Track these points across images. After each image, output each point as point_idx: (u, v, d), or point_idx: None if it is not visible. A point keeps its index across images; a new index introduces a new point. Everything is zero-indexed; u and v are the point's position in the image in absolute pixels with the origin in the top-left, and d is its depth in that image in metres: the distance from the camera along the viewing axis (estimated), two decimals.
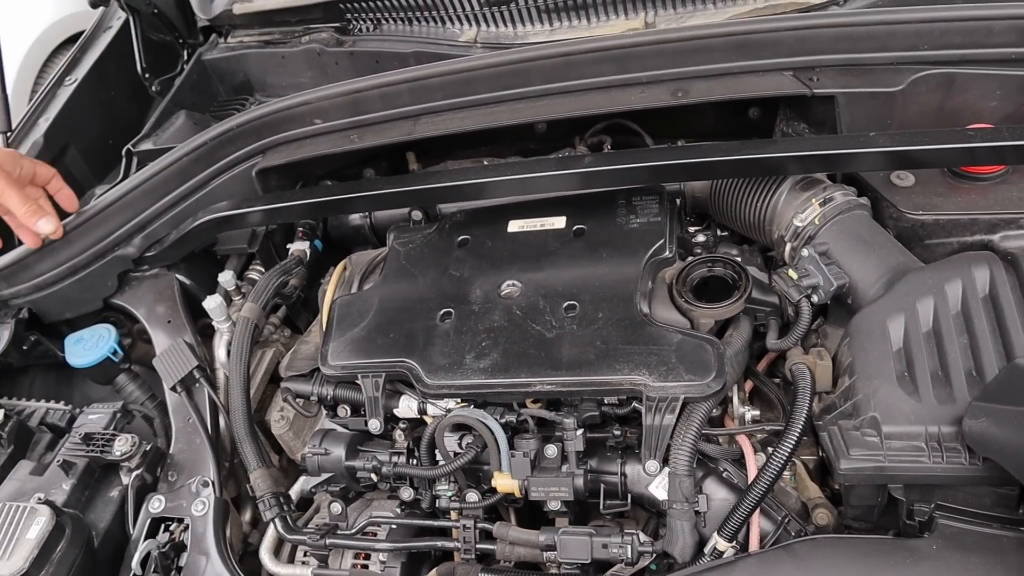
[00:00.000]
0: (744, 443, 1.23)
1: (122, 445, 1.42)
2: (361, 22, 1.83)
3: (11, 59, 3.68)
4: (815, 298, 1.25)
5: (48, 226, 1.57)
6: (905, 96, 1.37)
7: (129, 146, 1.78)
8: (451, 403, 1.31)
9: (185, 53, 2.06)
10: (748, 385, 1.36)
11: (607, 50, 1.42)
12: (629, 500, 1.25)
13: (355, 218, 1.71)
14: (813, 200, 1.33)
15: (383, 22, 1.80)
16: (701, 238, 1.48)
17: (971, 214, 1.30)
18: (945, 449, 1.05)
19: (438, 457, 1.32)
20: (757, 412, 1.29)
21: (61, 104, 1.90)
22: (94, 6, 1.93)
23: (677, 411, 1.17)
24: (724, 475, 1.23)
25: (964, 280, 1.19)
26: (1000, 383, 1.03)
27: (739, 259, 1.40)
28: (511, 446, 1.25)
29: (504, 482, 1.24)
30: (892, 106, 1.37)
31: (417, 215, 1.61)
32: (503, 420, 1.26)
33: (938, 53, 1.35)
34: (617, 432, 1.25)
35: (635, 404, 1.23)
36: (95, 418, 1.50)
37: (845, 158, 1.30)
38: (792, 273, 1.25)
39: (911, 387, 1.10)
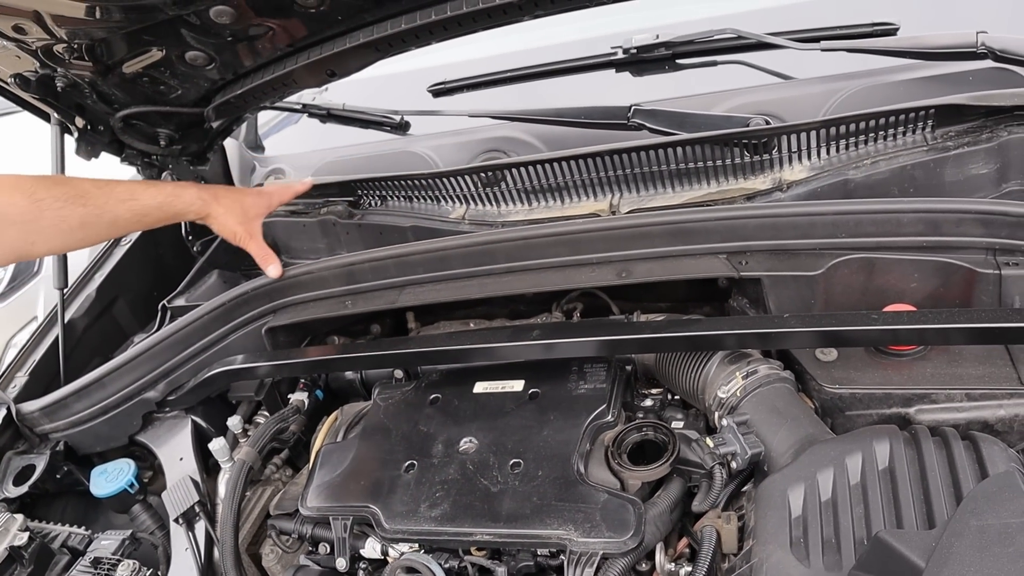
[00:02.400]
0: None
1: (124, 570, 1.59)
2: (370, 198, 2.09)
3: None
4: (734, 464, 1.37)
5: (275, 271, 1.85)
6: (827, 278, 1.51)
7: (164, 302, 2.05)
8: (406, 546, 1.46)
9: None
10: (683, 543, 1.47)
11: (561, 235, 1.62)
12: None
13: (349, 373, 1.92)
14: (737, 373, 1.47)
15: (388, 199, 2.06)
16: (649, 403, 1.62)
17: (886, 388, 1.41)
18: None
19: None
20: (690, 568, 1.39)
21: (115, 263, 2.19)
22: None
23: (595, 565, 1.29)
24: None
25: (864, 453, 1.29)
26: (869, 553, 1.13)
27: (682, 423, 1.54)
28: None
29: None
30: (815, 288, 1.52)
31: (399, 374, 1.81)
32: (447, 565, 1.40)
33: (855, 240, 1.50)
34: None
35: (562, 557, 1.35)
36: (106, 544, 1.69)
37: (774, 336, 1.45)
38: (709, 441, 1.38)
39: (803, 553, 1.20)
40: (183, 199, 1.71)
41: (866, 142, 1.71)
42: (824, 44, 1.81)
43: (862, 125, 1.67)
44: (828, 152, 1.73)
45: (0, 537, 1.66)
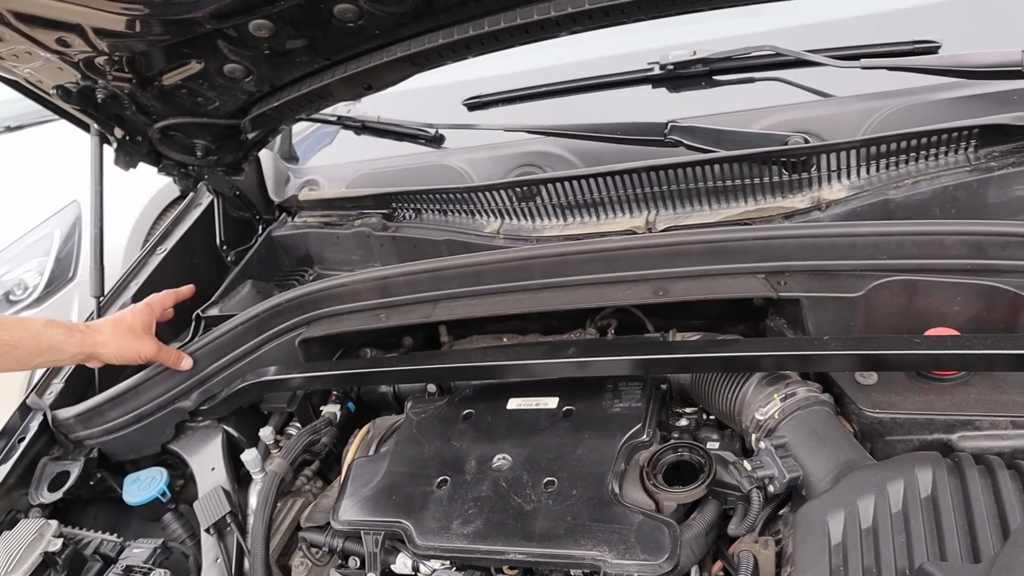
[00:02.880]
0: None
1: None
2: (404, 211, 2.10)
3: (127, 216, 4.19)
4: (771, 488, 1.35)
5: (188, 364, 1.88)
6: (868, 300, 1.49)
7: (199, 311, 2.06)
8: (438, 563, 1.45)
9: (260, 228, 2.37)
10: (718, 566, 1.45)
11: (597, 252, 1.61)
12: None
13: (382, 387, 1.91)
14: (775, 395, 1.45)
15: (423, 212, 2.07)
16: (684, 422, 1.60)
17: (928, 414, 1.39)
18: None
19: None
20: None
21: (150, 271, 2.21)
22: (184, 193, 2.26)
23: None
24: None
25: (907, 480, 1.27)
26: None
27: (717, 444, 1.53)
28: None
29: None
30: (855, 310, 1.49)
31: (432, 388, 1.81)
32: None
33: (896, 262, 1.47)
34: None
35: None
36: (138, 552, 1.69)
37: (813, 359, 1.43)
38: (747, 464, 1.36)
39: None
40: (57, 331, 1.69)
41: (907, 162, 1.69)
42: (864, 62, 1.79)
43: (903, 144, 1.66)
44: (868, 171, 1.71)
45: (35, 543, 1.68)
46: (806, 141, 1.76)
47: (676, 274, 1.58)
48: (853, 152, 1.68)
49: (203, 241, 2.32)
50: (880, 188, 1.68)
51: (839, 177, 1.72)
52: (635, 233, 1.79)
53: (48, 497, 1.85)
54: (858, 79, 1.81)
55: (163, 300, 1.92)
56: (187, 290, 2.00)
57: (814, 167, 1.72)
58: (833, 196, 1.71)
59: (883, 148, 1.66)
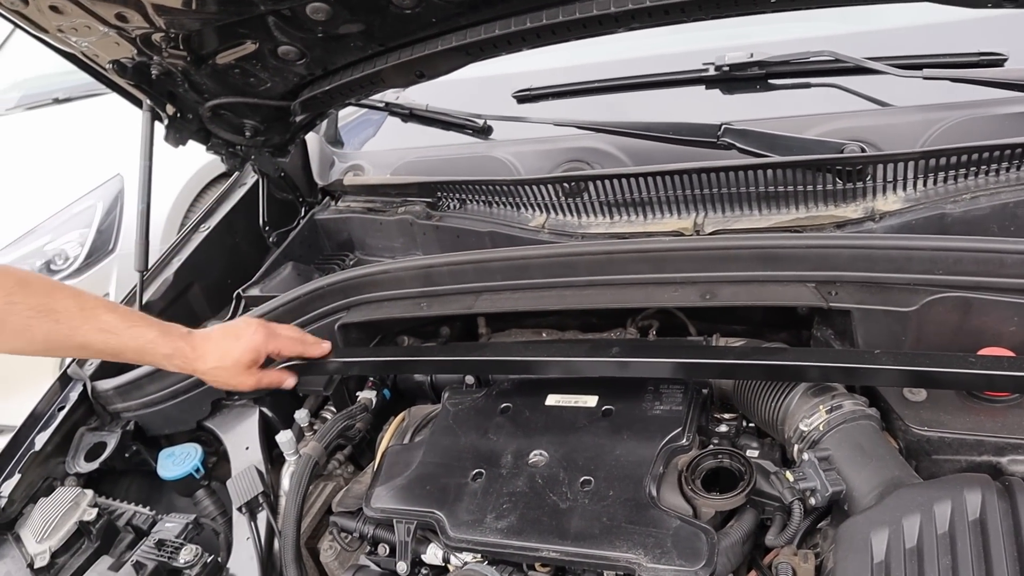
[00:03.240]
0: None
1: (187, 555, 1.61)
2: (449, 200, 2.09)
3: (168, 193, 4.23)
4: (812, 501, 1.33)
5: (291, 383, 1.75)
6: (920, 315, 1.46)
7: (240, 291, 2.07)
8: (469, 556, 1.45)
9: (303, 210, 2.37)
10: None
11: (645, 252, 1.59)
12: None
13: (419, 376, 1.91)
14: (820, 407, 1.42)
15: (467, 202, 2.06)
16: (724, 428, 1.58)
17: (978, 435, 1.35)
18: None
19: None
20: None
21: (193, 248, 2.23)
22: (230, 171, 2.27)
23: None
24: None
25: (954, 501, 1.24)
26: None
27: (756, 452, 1.51)
28: None
29: None
30: (907, 324, 1.46)
31: (470, 380, 1.80)
32: None
33: (953, 278, 1.44)
34: None
35: None
36: (170, 526, 1.70)
37: (860, 372, 1.40)
38: (789, 475, 1.34)
39: None
40: (162, 351, 1.58)
41: (966, 176, 1.65)
42: (927, 72, 1.75)
43: (963, 158, 1.62)
44: (925, 184, 1.68)
45: (71, 511, 1.70)
46: (862, 150, 1.73)
47: (724, 278, 1.56)
48: (911, 164, 1.65)
49: (246, 221, 2.33)
50: (937, 202, 1.64)
51: (895, 188, 1.69)
52: (682, 235, 1.77)
53: (84, 467, 1.87)
54: (918, 89, 1.78)
55: (287, 347, 1.70)
56: (319, 351, 1.75)
57: (869, 177, 1.69)
58: (888, 207, 1.68)
59: (942, 161, 1.63)
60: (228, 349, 1.63)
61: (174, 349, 1.59)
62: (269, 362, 1.70)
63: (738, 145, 1.77)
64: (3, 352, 1.46)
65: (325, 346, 1.75)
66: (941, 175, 1.66)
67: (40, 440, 1.86)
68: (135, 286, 2.09)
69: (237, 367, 1.63)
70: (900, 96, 1.88)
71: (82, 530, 1.71)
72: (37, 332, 1.46)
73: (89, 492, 1.77)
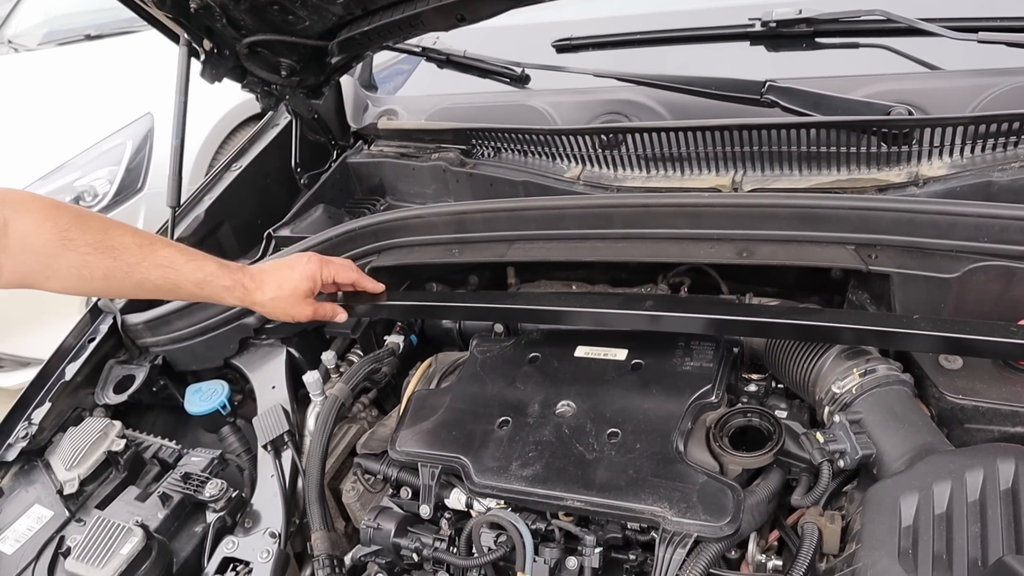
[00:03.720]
0: None
1: (212, 488, 1.63)
2: (483, 148, 2.06)
3: (197, 133, 4.21)
4: (841, 463, 1.32)
5: (343, 317, 1.72)
6: (961, 283, 1.43)
7: (270, 230, 2.06)
8: (493, 502, 1.45)
9: (335, 153, 2.36)
10: (774, 535, 1.43)
11: (683, 206, 1.57)
12: None
13: (447, 322, 1.90)
14: (854, 370, 1.41)
15: (502, 151, 2.03)
16: (753, 388, 1.57)
17: (1013, 406, 1.34)
18: None
19: (474, 551, 1.45)
20: (780, 562, 1.36)
21: (225, 186, 2.22)
22: (264, 110, 2.25)
23: (688, 547, 1.26)
24: None
25: (987, 470, 1.23)
26: None
27: (785, 413, 1.50)
28: (536, 552, 1.37)
29: None
30: (947, 291, 1.44)
31: (499, 328, 1.79)
32: (533, 527, 1.39)
33: (997, 247, 1.41)
34: (633, 556, 1.35)
35: (653, 533, 1.32)
36: (196, 460, 1.72)
37: (897, 336, 1.38)
38: (820, 436, 1.33)
39: (911, 564, 1.15)
40: (222, 283, 1.55)
41: (1016, 144, 1.61)
42: (982, 35, 1.69)
43: (1015, 126, 1.58)
44: (972, 151, 1.64)
45: (100, 441, 1.72)
46: (910, 113, 1.68)
47: (762, 236, 1.53)
48: (959, 129, 1.61)
49: (278, 162, 2.32)
50: (984, 169, 1.61)
51: (940, 154, 1.65)
52: (720, 192, 1.74)
53: (113, 398, 1.89)
54: (972, 53, 1.73)
55: (342, 273, 1.68)
56: (375, 288, 1.73)
57: (915, 141, 1.65)
58: (932, 173, 1.64)
59: (992, 127, 1.59)
60: (285, 279, 1.60)
61: (233, 281, 1.56)
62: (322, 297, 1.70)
63: (782, 103, 1.73)
64: (58, 291, 1.43)
65: (380, 285, 1.73)
66: (990, 142, 1.61)
67: (70, 371, 1.88)
68: (166, 222, 2.09)
69: (295, 296, 1.61)
70: (952, 59, 1.83)
71: (110, 460, 1.73)
72: (96, 269, 1.41)
73: (118, 423, 1.79)
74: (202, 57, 1.94)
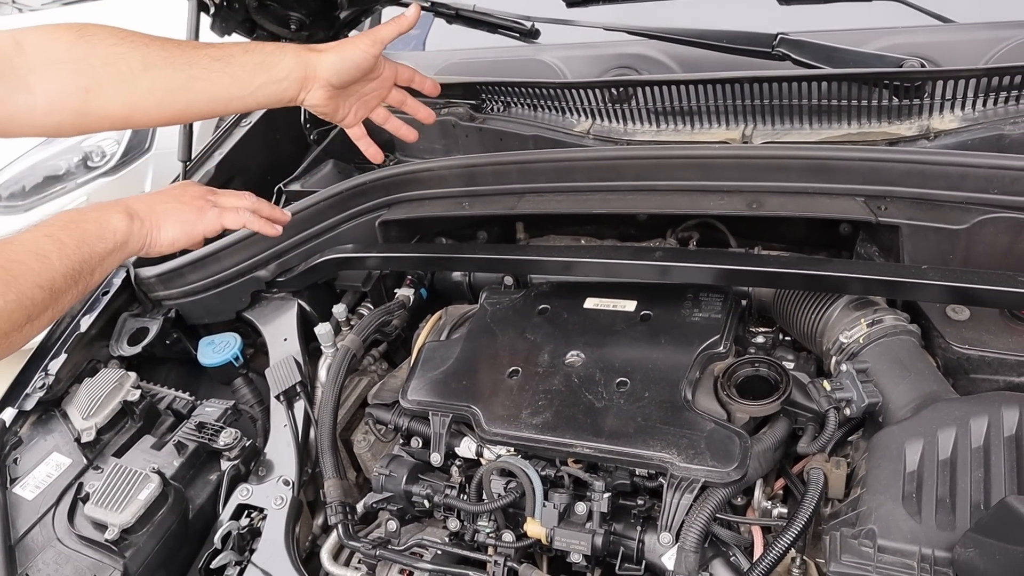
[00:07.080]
0: (756, 533, 1.32)
1: (226, 437, 1.65)
2: (493, 103, 2.06)
3: None
4: (848, 411, 1.34)
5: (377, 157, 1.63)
6: (970, 235, 1.44)
7: (281, 185, 2.07)
8: (503, 450, 1.48)
9: None
10: (779, 483, 1.45)
11: (693, 158, 1.57)
12: (643, 567, 1.36)
13: (456, 275, 1.92)
14: (862, 320, 1.42)
15: (511, 105, 2.02)
16: (760, 339, 1.59)
17: (1019, 356, 1.35)
18: (935, 572, 1.11)
19: (485, 497, 1.48)
20: (785, 510, 1.38)
21: (235, 142, 2.22)
22: None
23: (695, 492, 1.29)
24: (732, 560, 1.33)
25: (991, 417, 1.24)
26: (992, 517, 1.09)
27: (792, 364, 1.51)
28: (545, 497, 1.40)
29: (534, 528, 1.38)
30: (955, 243, 1.44)
31: (509, 280, 1.81)
32: (543, 473, 1.41)
33: (1007, 198, 1.41)
34: (641, 502, 1.37)
35: (661, 479, 1.35)
36: (210, 411, 1.74)
37: (905, 286, 1.39)
38: (826, 384, 1.35)
39: (914, 508, 1.17)
40: (283, 65, 1.34)
41: None
42: None
43: None
44: (984, 104, 1.62)
45: (115, 391, 1.74)
46: (922, 66, 1.67)
47: (772, 188, 1.54)
48: (972, 81, 1.59)
49: (287, 118, 2.31)
50: (996, 122, 1.59)
51: (952, 107, 1.64)
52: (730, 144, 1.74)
53: (127, 350, 1.91)
54: (987, 5, 1.72)
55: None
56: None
57: (927, 94, 1.64)
58: (943, 126, 1.63)
59: (1005, 80, 1.57)
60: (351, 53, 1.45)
61: (291, 63, 1.36)
62: None
63: (793, 56, 1.72)
64: (104, 110, 1.26)
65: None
66: (1003, 95, 1.60)
67: (85, 322, 1.90)
68: (177, 176, 2.10)
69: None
70: (966, 12, 1.81)
71: (126, 410, 1.76)
72: (133, 61, 1.24)
73: (132, 374, 1.81)
74: (212, 11, 1.93)
